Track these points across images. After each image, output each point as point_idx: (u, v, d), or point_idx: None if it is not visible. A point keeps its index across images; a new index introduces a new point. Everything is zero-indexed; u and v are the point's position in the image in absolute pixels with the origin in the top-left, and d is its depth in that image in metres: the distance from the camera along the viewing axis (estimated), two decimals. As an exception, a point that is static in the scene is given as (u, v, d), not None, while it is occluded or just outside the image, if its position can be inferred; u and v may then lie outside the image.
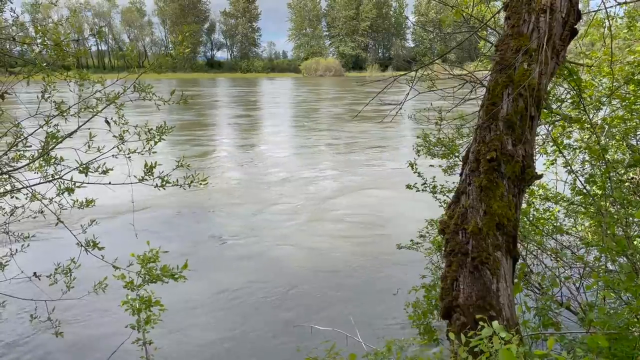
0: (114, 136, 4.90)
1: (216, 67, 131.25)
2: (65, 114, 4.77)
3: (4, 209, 5.71)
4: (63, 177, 4.90)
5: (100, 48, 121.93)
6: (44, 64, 4.66)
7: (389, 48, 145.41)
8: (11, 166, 5.10)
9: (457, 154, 6.44)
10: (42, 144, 4.77)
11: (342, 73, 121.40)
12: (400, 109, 4.37)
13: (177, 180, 4.96)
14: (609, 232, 4.76)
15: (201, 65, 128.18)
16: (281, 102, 55.64)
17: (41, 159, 4.82)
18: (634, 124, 5.86)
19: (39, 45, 4.72)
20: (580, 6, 3.52)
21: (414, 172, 6.81)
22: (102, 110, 4.79)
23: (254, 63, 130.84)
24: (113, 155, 4.86)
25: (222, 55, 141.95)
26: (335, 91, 70.51)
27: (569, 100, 5.70)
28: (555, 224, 6.03)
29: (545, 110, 5.46)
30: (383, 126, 30.86)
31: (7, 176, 5.10)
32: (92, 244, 5.09)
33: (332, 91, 70.90)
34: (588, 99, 5.94)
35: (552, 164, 6.53)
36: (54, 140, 4.75)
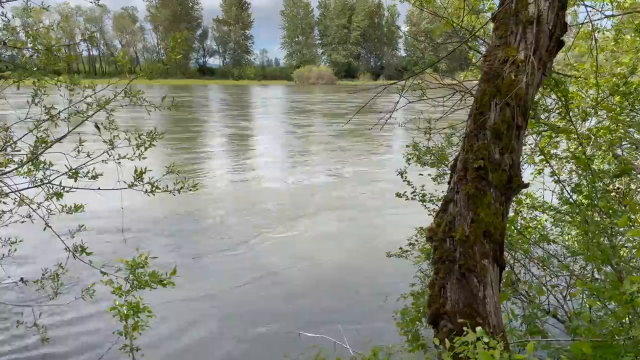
0: (104, 141, 4.89)
1: (208, 74, 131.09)
2: (55, 118, 4.75)
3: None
4: (52, 182, 4.88)
5: (91, 53, 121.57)
6: (35, 69, 4.65)
7: (381, 57, 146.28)
8: (-1, 170, 5.06)
9: (446, 163, 6.49)
10: (31, 148, 4.75)
11: (334, 81, 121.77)
12: (390, 117, 4.40)
13: (167, 186, 4.96)
14: (594, 241, 4.81)
15: (193, 71, 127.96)
16: (273, 110, 55.69)
17: (30, 163, 4.79)
18: (620, 134, 5.95)
19: (29, 50, 4.71)
20: (568, 18, 3.59)
21: (404, 181, 6.86)
22: (92, 115, 4.78)
23: (246, 70, 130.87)
24: (103, 160, 4.85)
25: (214, 62, 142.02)
26: (327, 99, 70.71)
27: (556, 111, 5.77)
28: (542, 233, 6.09)
29: (532, 121, 5.54)
30: (374, 134, 30.99)
31: (-5, 180, 5.07)
32: (80, 249, 5.06)
33: (323, 99, 71.08)
34: (575, 109, 6.02)
35: (539, 173, 6.61)
36: (43, 145, 4.73)
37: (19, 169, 4.90)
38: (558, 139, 6.13)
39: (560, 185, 5.69)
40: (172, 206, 15.24)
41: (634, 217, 5.28)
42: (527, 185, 3.37)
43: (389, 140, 30.77)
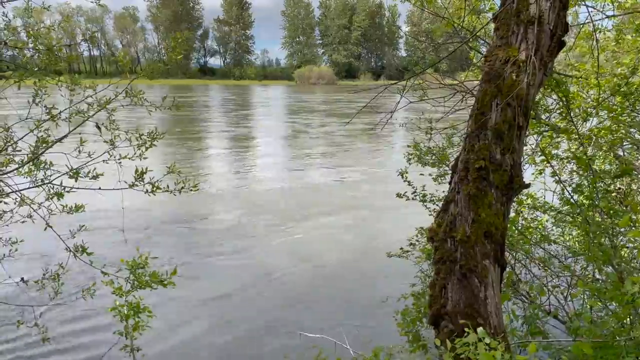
0: (105, 141, 4.89)
1: (209, 74, 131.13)
2: (56, 118, 4.75)
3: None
4: (52, 182, 4.87)
5: (92, 54, 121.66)
6: (36, 69, 4.65)
7: (382, 57, 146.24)
8: (0, 170, 5.06)
9: (447, 163, 6.49)
10: (32, 148, 4.75)
11: (334, 81, 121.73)
12: (391, 117, 4.40)
13: (168, 186, 4.95)
14: (595, 241, 4.81)
15: (194, 71, 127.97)
16: (279, 111, 55.68)
17: (31, 163, 4.79)
18: (621, 135, 5.95)
19: (30, 50, 4.71)
20: (569, 19, 3.58)
21: (404, 181, 6.85)
22: (93, 115, 4.78)
23: (247, 70, 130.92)
24: (104, 160, 4.85)
25: (215, 62, 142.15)
26: (334, 99, 70.70)
27: (557, 111, 5.77)
28: (543, 233, 6.08)
29: (533, 121, 5.53)
30: (384, 134, 30.96)
31: (-4, 180, 5.07)
32: (81, 249, 5.06)
33: (330, 99, 71.08)
34: (576, 110, 6.02)
35: (541, 173, 6.60)
36: (44, 145, 4.73)
37: (20, 169, 4.89)
38: (559, 139, 6.13)
39: (561, 185, 5.69)
40: (177, 207, 15.25)
41: (635, 217, 5.28)
42: (528, 186, 3.37)
43: (398, 140, 30.70)
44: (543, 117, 5.93)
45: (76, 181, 4.80)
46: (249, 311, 9.11)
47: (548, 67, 3.46)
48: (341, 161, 24.34)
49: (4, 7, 4.81)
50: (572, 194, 5.51)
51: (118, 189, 4.88)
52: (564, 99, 5.14)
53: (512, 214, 5.77)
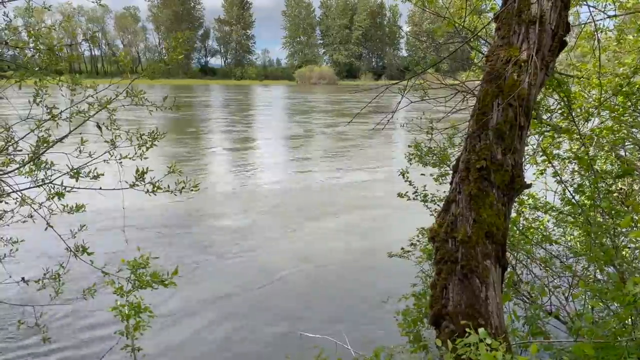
0: (106, 141, 4.88)
1: (210, 74, 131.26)
2: (56, 118, 4.75)
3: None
4: (53, 182, 4.87)
5: (93, 53, 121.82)
6: (37, 69, 4.65)
7: (383, 57, 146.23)
8: (1, 170, 5.06)
9: (448, 163, 6.48)
10: (33, 148, 4.74)
11: (335, 81, 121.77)
12: (392, 117, 4.39)
13: (168, 186, 4.95)
14: (597, 241, 4.80)
15: (195, 71, 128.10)
16: (279, 110, 55.63)
17: (31, 163, 4.79)
18: (622, 135, 5.93)
19: (31, 50, 4.71)
20: (570, 19, 3.57)
21: (405, 181, 6.85)
22: (94, 115, 4.78)
23: (248, 70, 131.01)
24: (104, 160, 4.84)
25: (215, 61, 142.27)
26: (341, 99, 70.66)
27: (559, 111, 5.76)
28: (544, 234, 6.07)
29: (535, 121, 5.52)
30: (386, 134, 30.93)
31: (-3, 180, 5.06)
32: (81, 249, 5.05)
33: (336, 99, 71.03)
34: (577, 110, 6.01)
35: (542, 173, 6.58)
36: (44, 145, 4.73)
37: (21, 169, 4.89)
38: (560, 139, 6.12)
39: (563, 185, 5.68)
40: (183, 207, 15.25)
41: (636, 218, 5.27)
42: (529, 186, 3.36)
43: (408, 140, 30.64)
44: (544, 117, 5.92)
45: (77, 181, 4.80)
46: (250, 311, 9.11)
47: (549, 67, 3.45)
48: (351, 161, 24.30)
49: (4, 6, 4.80)
50: (573, 194, 5.49)
51: (119, 189, 4.88)
52: (565, 99, 5.13)
53: (513, 214, 5.76)
